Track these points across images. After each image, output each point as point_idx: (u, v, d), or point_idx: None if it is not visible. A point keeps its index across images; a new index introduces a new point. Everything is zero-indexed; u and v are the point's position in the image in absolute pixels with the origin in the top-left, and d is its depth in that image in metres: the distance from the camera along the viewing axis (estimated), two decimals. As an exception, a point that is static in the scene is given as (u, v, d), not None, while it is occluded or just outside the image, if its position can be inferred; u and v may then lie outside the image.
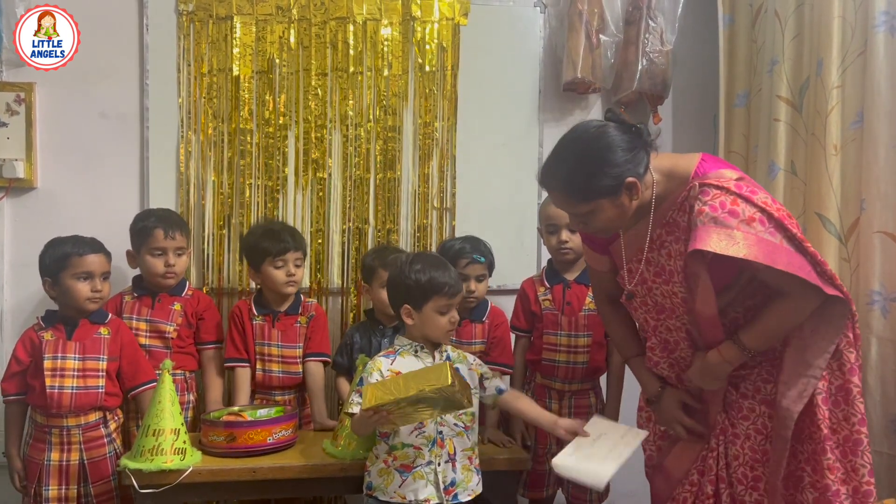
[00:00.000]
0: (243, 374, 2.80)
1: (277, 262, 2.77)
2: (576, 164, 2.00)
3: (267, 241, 2.78)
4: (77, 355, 2.56)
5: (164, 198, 3.05)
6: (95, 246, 2.62)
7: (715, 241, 1.86)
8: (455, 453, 2.25)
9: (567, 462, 2.17)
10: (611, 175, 1.96)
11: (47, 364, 2.52)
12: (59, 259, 2.56)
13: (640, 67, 3.17)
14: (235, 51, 3.09)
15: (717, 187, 1.93)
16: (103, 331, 2.61)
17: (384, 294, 2.74)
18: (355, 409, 2.24)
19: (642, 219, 2.09)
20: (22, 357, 2.57)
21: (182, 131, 3.08)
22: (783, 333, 2.05)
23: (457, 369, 2.20)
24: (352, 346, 2.86)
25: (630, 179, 1.97)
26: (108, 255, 2.65)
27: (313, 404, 2.81)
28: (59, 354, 2.54)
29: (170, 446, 2.30)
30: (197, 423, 2.70)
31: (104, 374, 2.58)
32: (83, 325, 2.60)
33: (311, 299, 2.99)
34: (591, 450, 2.19)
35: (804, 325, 2.02)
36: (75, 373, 2.54)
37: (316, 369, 2.84)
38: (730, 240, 1.86)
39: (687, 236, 1.95)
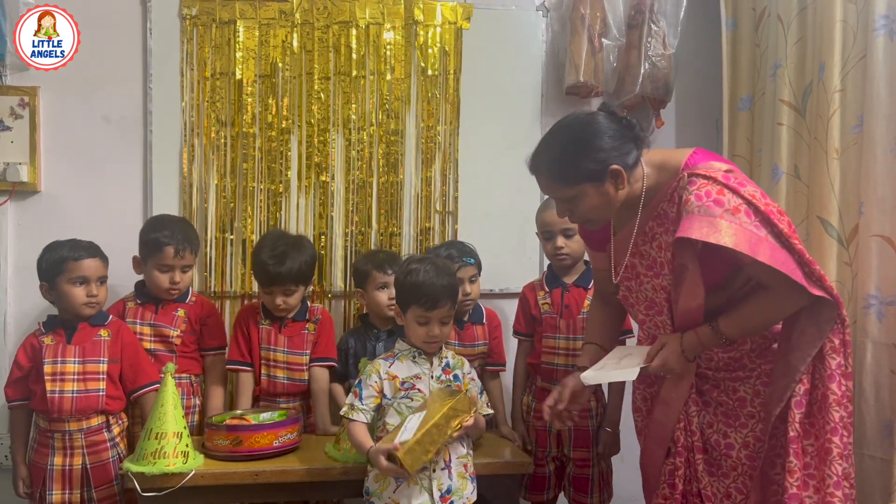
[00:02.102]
0: (246, 379, 2.79)
1: (266, 290, 2.76)
2: (562, 147, 2.04)
3: (257, 270, 2.77)
4: (77, 359, 2.56)
5: (166, 202, 3.07)
6: (92, 250, 2.61)
7: (697, 229, 1.86)
8: (450, 461, 2.25)
9: (592, 374, 2.18)
10: (595, 160, 1.99)
11: (47, 368, 2.52)
12: (56, 263, 2.56)
13: (642, 71, 3.17)
14: (238, 55, 3.10)
15: (705, 177, 1.94)
16: (103, 333, 2.61)
17: (379, 296, 2.78)
18: (358, 417, 2.25)
19: (635, 215, 2.10)
20: (23, 362, 2.58)
21: (185, 135, 3.09)
22: (760, 326, 2.05)
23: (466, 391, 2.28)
24: (346, 351, 2.88)
25: (615, 167, 1.99)
26: (104, 259, 2.65)
27: (316, 410, 2.81)
28: (59, 358, 2.54)
29: (172, 449, 2.31)
30: (202, 428, 2.69)
31: (105, 376, 2.57)
32: (83, 328, 2.60)
33: (317, 304, 2.99)
34: (614, 364, 2.20)
35: (794, 326, 2.02)
36: (75, 376, 2.54)
37: (321, 374, 2.82)
38: (712, 228, 1.86)
39: (676, 227, 1.95)
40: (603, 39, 3.18)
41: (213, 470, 2.36)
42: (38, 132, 3.00)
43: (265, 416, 2.56)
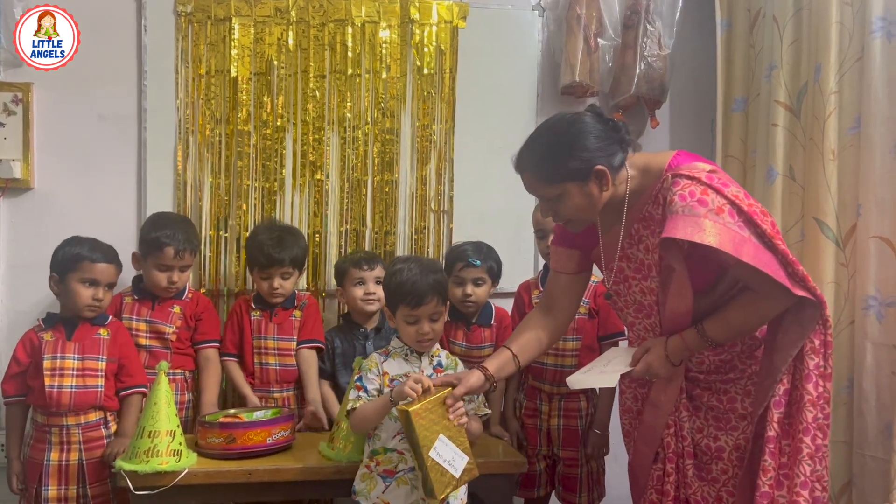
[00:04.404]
0: (235, 370, 2.86)
1: (263, 274, 2.82)
2: (547, 146, 2.04)
3: (254, 252, 2.83)
4: (76, 355, 2.55)
5: (161, 199, 3.05)
6: (109, 255, 2.60)
7: (682, 229, 1.87)
8: None
9: (578, 377, 2.21)
10: (580, 158, 1.99)
11: (46, 364, 2.51)
12: (71, 259, 2.55)
13: (637, 71, 3.17)
14: (234, 52, 3.08)
15: (689, 177, 1.94)
16: (102, 332, 2.61)
17: (354, 291, 2.85)
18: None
19: (620, 218, 2.10)
20: (21, 358, 2.57)
21: (180, 133, 3.07)
22: (746, 328, 2.05)
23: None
24: (333, 350, 2.89)
25: (599, 167, 1.99)
26: (119, 267, 2.64)
27: (307, 389, 2.82)
28: (59, 354, 2.53)
29: (165, 448, 2.29)
30: (194, 424, 2.68)
31: (103, 373, 2.57)
32: (83, 326, 2.59)
33: (304, 291, 3.01)
34: (603, 368, 2.22)
35: (778, 327, 2.02)
36: (74, 372, 2.53)
37: (308, 355, 2.85)
38: (697, 228, 1.86)
39: (661, 229, 1.95)
40: (599, 39, 3.17)
41: (206, 468, 2.34)
42: (31, 129, 2.97)
43: (258, 414, 2.56)
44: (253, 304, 2.89)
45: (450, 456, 2.08)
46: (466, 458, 2.09)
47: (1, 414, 2.83)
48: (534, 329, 2.33)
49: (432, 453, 2.05)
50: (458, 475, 2.08)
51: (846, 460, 2.63)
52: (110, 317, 2.67)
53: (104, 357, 2.58)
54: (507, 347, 2.30)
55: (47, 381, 2.49)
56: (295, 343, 2.86)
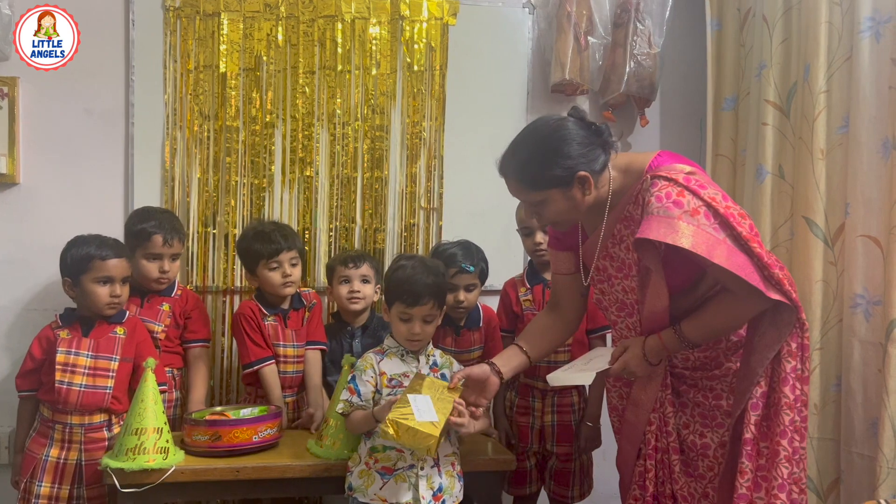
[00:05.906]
0: (272, 373, 2.74)
1: (272, 263, 2.74)
2: (531, 152, 2.05)
3: (259, 244, 2.75)
4: (90, 353, 2.53)
5: (148, 195, 3.03)
6: (118, 250, 2.58)
7: (656, 230, 1.87)
8: (439, 458, 2.24)
9: (558, 375, 2.25)
10: (563, 166, 2.00)
11: (59, 358, 2.49)
12: (81, 261, 2.52)
13: (627, 70, 3.18)
14: (222, 47, 3.07)
15: (667, 179, 1.95)
16: (119, 330, 2.58)
17: (340, 289, 2.83)
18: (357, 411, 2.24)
19: (603, 218, 2.11)
20: (37, 354, 2.55)
21: (167, 128, 3.05)
22: (723, 329, 2.06)
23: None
24: None
25: (582, 173, 2.00)
26: (129, 258, 2.62)
27: (310, 392, 2.79)
28: (73, 350, 2.51)
29: (152, 445, 2.28)
30: (181, 422, 2.66)
31: (114, 374, 2.54)
32: (100, 324, 2.57)
33: (306, 288, 2.95)
34: (583, 366, 2.27)
35: (756, 329, 2.03)
36: (86, 370, 2.51)
37: (314, 357, 2.82)
38: (671, 229, 1.87)
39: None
40: (589, 38, 3.18)
41: (194, 466, 2.33)
42: (17, 123, 2.94)
43: (245, 412, 2.53)
44: (264, 310, 2.79)
45: (424, 407, 2.10)
46: (436, 419, 2.08)
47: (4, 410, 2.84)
48: (541, 325, 2.41)
49: (410, 395, 2.12)
50: (418, 419, 2.06)
51: (835, 458, 2.64)
52: (128, 313, 2.65)
53: (118, 357, 2.56)
54: (516, 343, 2.35)
55: (58, 376, 2.47)
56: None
